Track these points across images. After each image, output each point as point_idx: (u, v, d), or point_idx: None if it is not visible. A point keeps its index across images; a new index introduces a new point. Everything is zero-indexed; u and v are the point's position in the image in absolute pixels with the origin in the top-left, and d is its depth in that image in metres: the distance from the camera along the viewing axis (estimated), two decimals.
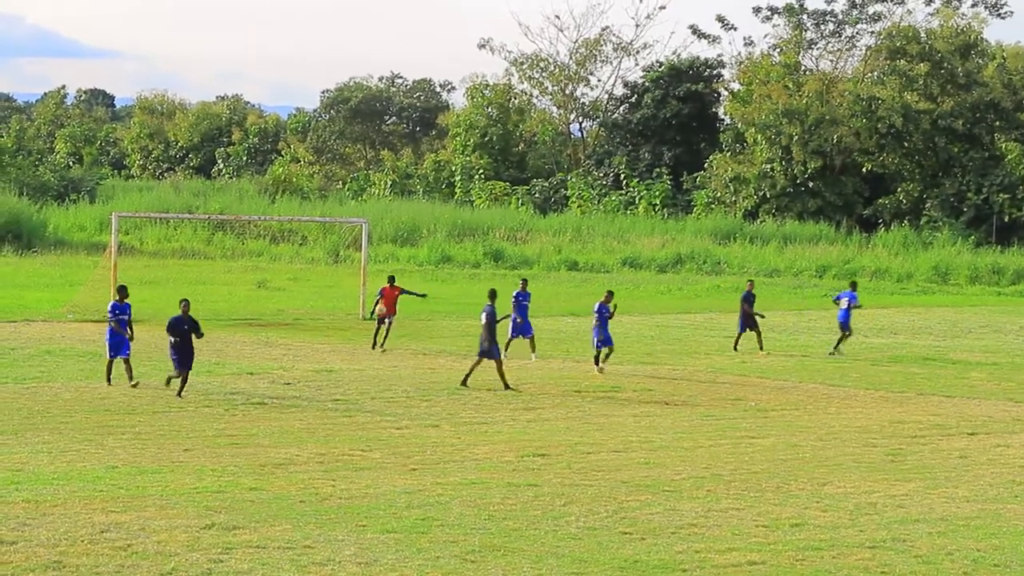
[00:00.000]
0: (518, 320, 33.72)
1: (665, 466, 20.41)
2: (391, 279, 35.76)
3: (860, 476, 20.01)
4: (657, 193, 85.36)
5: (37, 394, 25.86)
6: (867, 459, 21.44)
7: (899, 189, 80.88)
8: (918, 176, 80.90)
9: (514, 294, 34.35)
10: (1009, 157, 78.34)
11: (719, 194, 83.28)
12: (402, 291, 35.32)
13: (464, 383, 28.15)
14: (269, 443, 21.46)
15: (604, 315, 31.29)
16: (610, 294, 32.42)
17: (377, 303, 35.20)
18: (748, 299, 36.63)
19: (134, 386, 26.53)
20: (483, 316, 28.57)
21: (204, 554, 14.76)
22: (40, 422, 22.81)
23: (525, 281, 35.79)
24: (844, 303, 36.74)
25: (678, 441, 22.71)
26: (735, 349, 36.14)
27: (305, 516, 16.59)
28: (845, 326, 36.47)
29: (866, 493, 18.81)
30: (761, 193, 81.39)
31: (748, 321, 36.28)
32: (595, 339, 31.46)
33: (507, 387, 27.98)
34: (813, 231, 75.27)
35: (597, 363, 31.32)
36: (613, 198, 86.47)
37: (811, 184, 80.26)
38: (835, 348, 36.15)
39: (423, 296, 36.56)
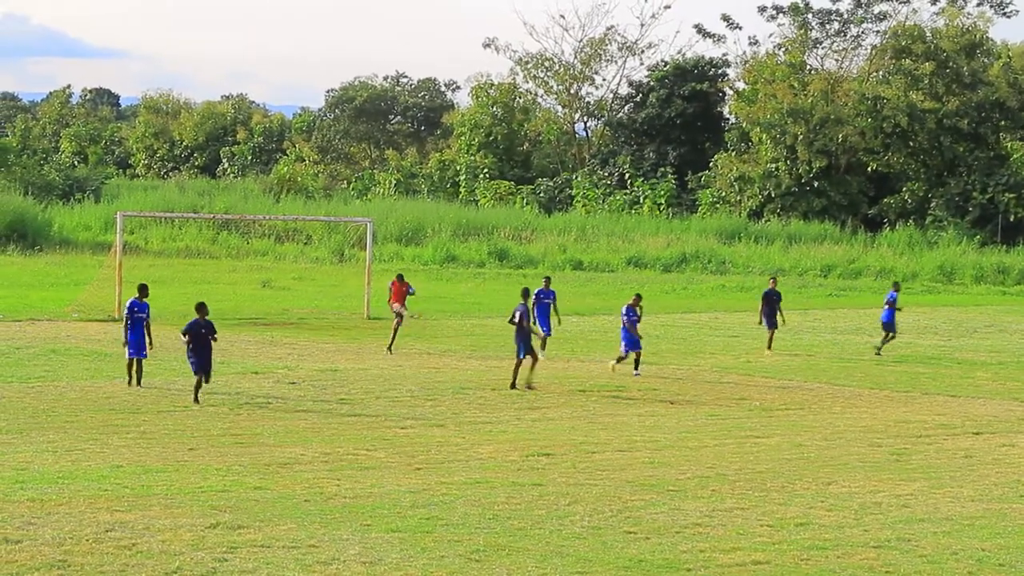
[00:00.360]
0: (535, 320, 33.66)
1: (670, 465, 20.41)
2: (400, 276, 35.76)
3: (865, 476, 20.00)
4: (662, 192, 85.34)
5: (42, 393, 25.88)
6: (872, 459, 21.43)
7: (904, 188, 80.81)
8: (923, 175, 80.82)
9: (535, 292, 34.30)
10: (1014, 156, 78.29)
11: (724, 193, 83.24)
12: (410, 289, 35.26)
13: (529, 386, 27.96)
14: (274, 442, 21.46)
15: (632, 318, 31.13)
16: (638, 297, 32.06)
17: (390, 299, 35.32)
18: (767, 296, 36.46)
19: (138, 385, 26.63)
20: (516, 315, 28.48)
21: (209, 553, 14.77)
22: (45, 421, 22.83)
23: (548, 279, 35.84)
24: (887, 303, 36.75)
25: (683, 440, 22.70)
26: (768, 349, 35.81)
27: (310, 515, 16.59)
28: (889, 327, 36.37)
29: (871, 493, 18.80)
30: (766, 192, 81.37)
31: (771, 319, 36.05)
32: (623, 342, 31.27)
33: (513, 386, 27.98)
34: (818, 230, 75.19)
35: (618, 362, 31.08)
36: (618, 197, 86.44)
37: (816, 183, 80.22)
38: (879, 346, 36.00)
39: (412, 293, 36.38)
